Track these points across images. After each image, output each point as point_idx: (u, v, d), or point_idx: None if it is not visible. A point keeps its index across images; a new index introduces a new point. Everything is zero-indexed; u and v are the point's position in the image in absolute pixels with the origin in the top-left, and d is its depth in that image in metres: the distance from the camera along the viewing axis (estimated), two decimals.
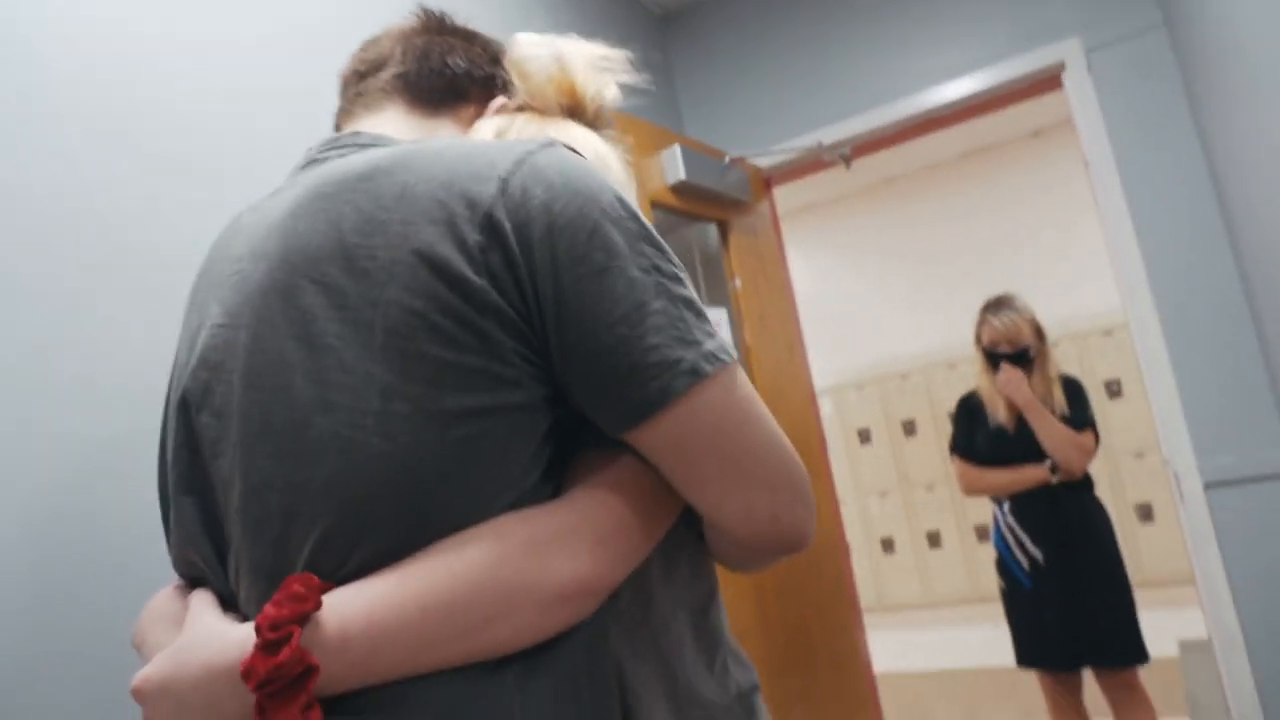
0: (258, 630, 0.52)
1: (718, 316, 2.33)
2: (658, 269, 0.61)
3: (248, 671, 0.51)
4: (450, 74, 0.81)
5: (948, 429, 5.15)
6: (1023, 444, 2.41)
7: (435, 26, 0.84)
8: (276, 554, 0.59)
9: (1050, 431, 2.34)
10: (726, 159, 2.52)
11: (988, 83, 2.48)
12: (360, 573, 0.57)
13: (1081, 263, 4.85)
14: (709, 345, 0.61)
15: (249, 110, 1.39)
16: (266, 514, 0.59)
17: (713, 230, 2.50)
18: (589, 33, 2.45)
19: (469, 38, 0.85)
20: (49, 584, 1.00)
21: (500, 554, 0.57)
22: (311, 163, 0.71)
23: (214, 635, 0.58)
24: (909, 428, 5.34)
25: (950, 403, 5.26)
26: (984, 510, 5.04)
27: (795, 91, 2.76)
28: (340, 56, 0.85)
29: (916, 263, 5.47)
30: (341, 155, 0.69)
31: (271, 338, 0.60)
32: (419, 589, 0.55)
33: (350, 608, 0.55)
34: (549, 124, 0.81)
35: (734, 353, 0.63)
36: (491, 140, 0.66)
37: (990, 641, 3.80)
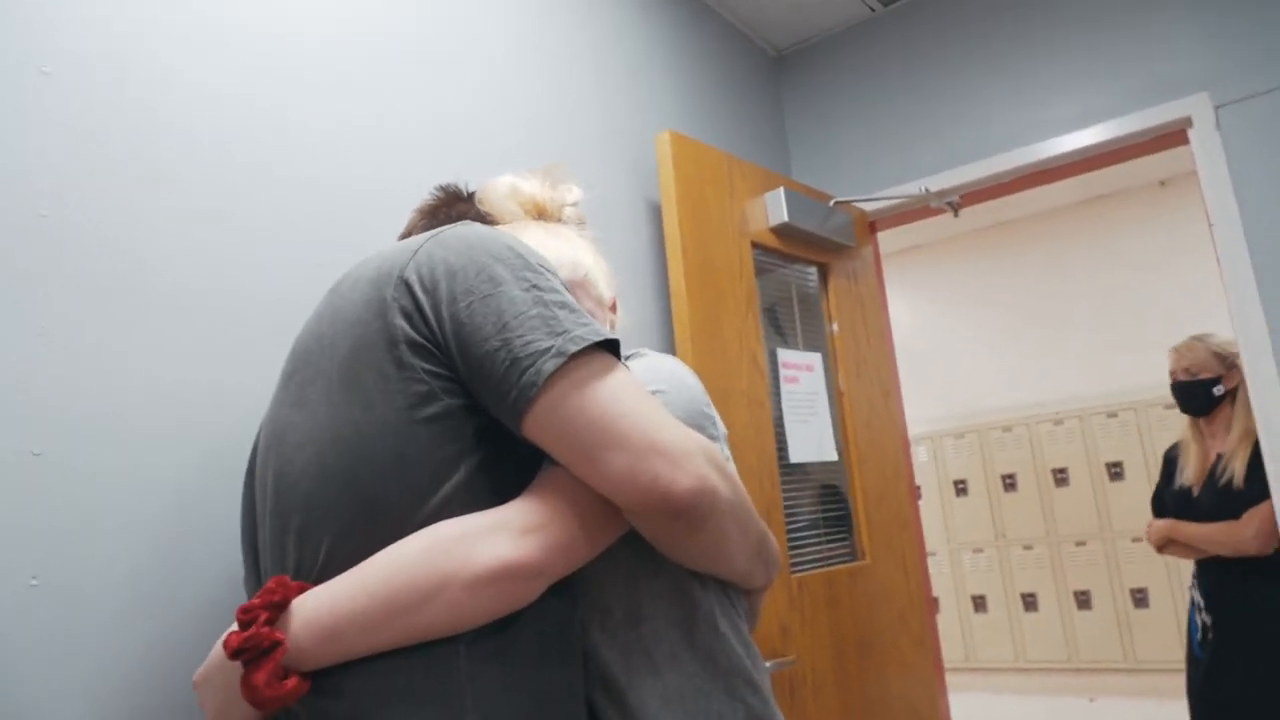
0: (237, 615, 0.69)
1: (811, 360, 2.32)
2: (536, 286, 0.73)
3: (226, 646, 0.68)
4: (452, 221, 1.00)
5: (1050, 486, 4.99)
6: (1208, 506, 2.30)
7: (448, 198, 1.10)
8: (277, 562, 0.77)
9: (1209, 541, 2.24)
10: (831, 202, 2.52)
11: (1107, 135, 2.41)
12: (329, 562, 0.72)
13: (1204, 322, 4.60)
14: (578, 331, 0.71)
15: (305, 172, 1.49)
16: (274, 533, 0.77)
17: (813, 273, 2.50)
18: (705, 73, 2.51)
19: (472, 198, 1.10)
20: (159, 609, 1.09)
21: (433, 544, 0.69)
22: None
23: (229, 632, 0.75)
24: (1009, 482, 5.14)
25: (1054, 459, 5.09)
26: (1085, 576, 4.80)
27: (906, 136, 2.74)
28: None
29: (1026, 311, 5.30)
30: None
31: (280, 409, 0.81)
32: (366, 578, 0.69)
33: (316, 599, 0.70)
34: (506, 227, 1.02)
35: (608, 334, 0.72)
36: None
37: (1084, 715, 3.60)
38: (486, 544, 0.68)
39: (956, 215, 2.64)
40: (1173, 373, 2.46)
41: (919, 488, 5.38)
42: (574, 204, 1.10)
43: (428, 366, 0.73)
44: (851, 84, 2.87)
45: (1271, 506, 2.17)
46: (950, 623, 5.18)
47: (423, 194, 1.12)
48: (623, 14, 2.24)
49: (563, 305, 0.73)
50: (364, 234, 1.44)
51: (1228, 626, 2.25)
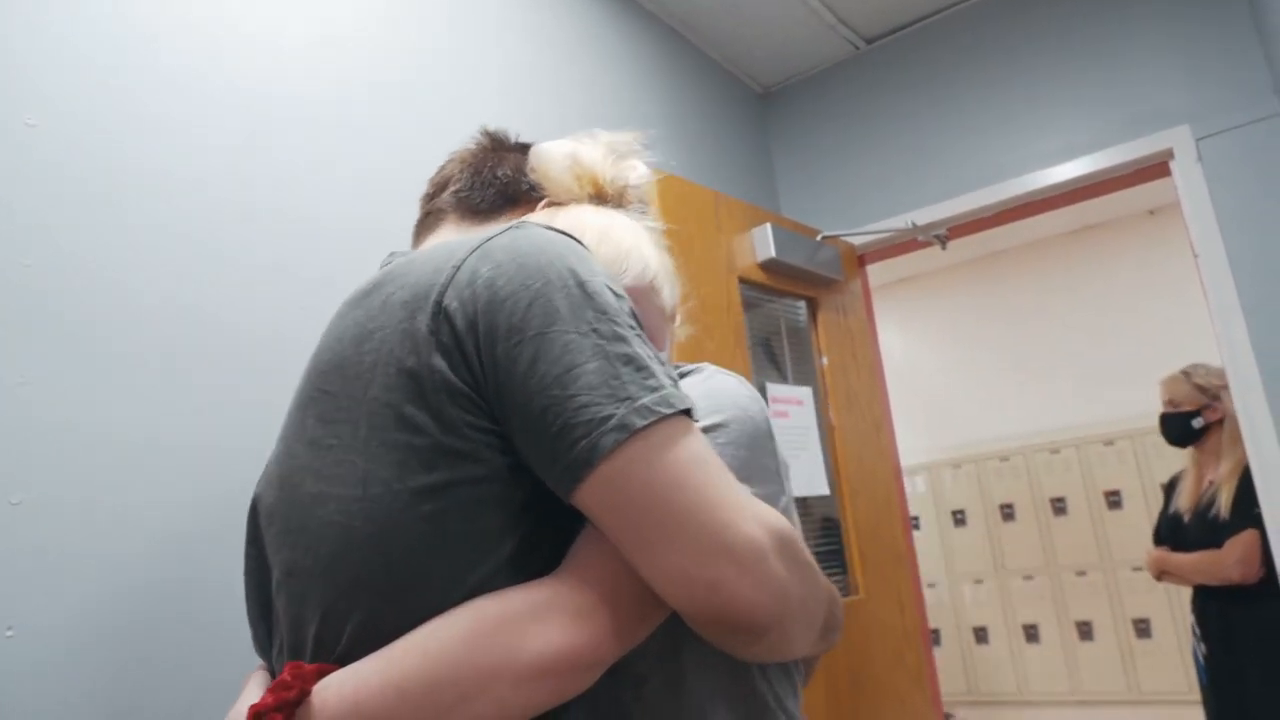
0: (248, 716, 0.59)
1: (802, 394, 2.33)
2: (596, 331, 0.61)
3: None
4: (500, 183, 0.91)
5: (1048, 516, 4.97)
6: (1196, 535, 2.31)
7: (493, 145, 0.95)
8: (295, 633, 0.66)
9: (1194, 570, 2.26)
10: (819, 237, 2.54)
11: (1091, 168, 2.44)
12: (354, 645, 0.62)
13: (1196, 348, 4.62)
14: (645, 399, 0.60)
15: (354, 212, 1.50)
16: (291, 598, 0.66)
17: (802, 307, 2.52)
18: (692, 110, 2.54)
19: (524, 149, 0.94)
20: (149, 646, 1.08)
21: (473, 632, 0.59)
22: None
23: (236, 716, 0.65)
24: (1007, 512, 5.12)
25: (1052, 489, 5.07)
26: (1086, 607, 4.76)
27: (892, 171, 2.77)
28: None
29: (1020, 340, 5.31)
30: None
31: (294, 444, 0.69)
32: (397, 671, 0.58)
33: (338, 694, 0.59)
34: (560, 211, 0.88)
35: (681, 404, 0.61)
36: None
37: None
38: (538, 629, 0.59)
39: (944, 248, 2.66)
40: (1163, 402, 2.51)
41: (916, 518, 5.36)
42: (638, 185, 0.93)
43: (470, 419, 0.62)
44: (838, 120, 2.91)
45: (1254, 535, 2.18)
46: (951, 655, 5.13)
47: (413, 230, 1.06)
48: (611, 52, 2.28)
49: (628, 360, 0.61)
50: (353, 273, 1.45)
51: (1220, 655, 2.25)
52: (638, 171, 0.92)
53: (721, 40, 2.73)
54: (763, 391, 2.21)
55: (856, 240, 2.76)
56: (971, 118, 2.66)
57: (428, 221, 0.91)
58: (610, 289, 0.65)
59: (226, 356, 1.25)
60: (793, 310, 2.49)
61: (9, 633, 0.97)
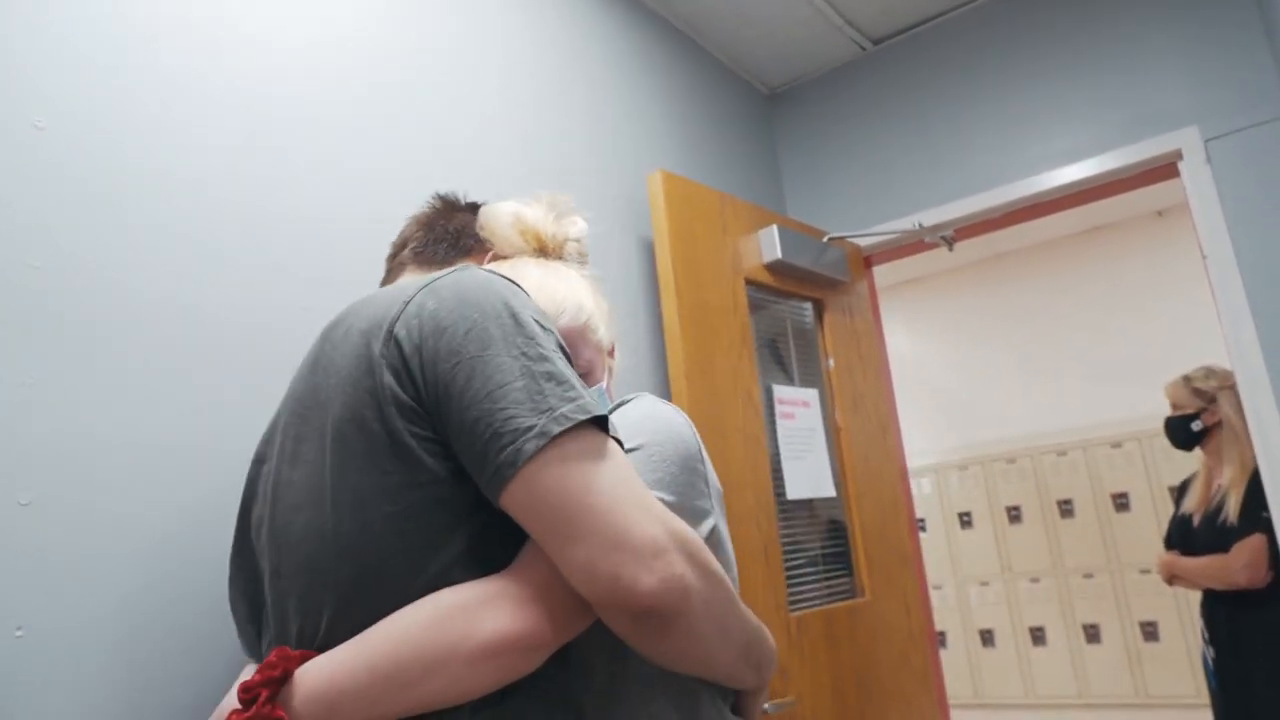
0: (238, 694, 0.68)
1: (808, 396, 2.32)
2: (525, 354, 0.70)
3: None
4: (451, 237, 1.04)
5: (1055, 518, 4.95)
6: (1204, 538, 2.31)
7: (445, 207, 1.09)
8: (281, 628, 0.76)
9: (1202, 575, 2.26)
10: (825, 238, 2.54)
11: (1098, 169, 2.42)
12: (330, 636, 0.71)
13: (1205, 349, 4.60)
14: (563, 409, 0.68)
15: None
16: (277, 596, 0.77)
17: (808, 308, 2.51)
18: (699, 111, 2.54)
19: (473, 208, 1.09)
20: (147, 648, 1.08)
21: (433, 617, 0.68)
22: None
23: (227, 702, 0.75)
24: (1014, 514, 5.11)
25: (1059, 491, 5.06)
26: (1093, 609, 4.74)
27: (900, 172, 2.77)
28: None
29: (1027, 342, 5.30)
30: None
31: (277, 461, 0.80)
32: (366, 651, 0.68)
33: (317, 672, 0.68)
34: (506, 263, 1.00)
35: (595, 411, 0.69)
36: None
37: None
38: (488, 616, 0.67)
39: (951, 249, 2.65)
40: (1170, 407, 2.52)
41: (923, 520, 5.34)
42: (577, 239, 1.06)
43: (416, 429, 0.71)
44: (844, 121, 2.90)
45: (1261, 539, 2.17)
46: (958, 658, 5.11)
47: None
48: (616, 54, 2.28)
49: (550, 377, 0.70)
50: (355, 274, 1.45)
51: (1228, 659, 2.25)
52: (577, 226, 1.05)
53: (728, 41, 2.73)
54: (768, 393, 2.21)
55: (863, 241, 2.75)
56: (979, 118, 2.65)
57: (390, 276, 1.06)
58: (537, 321, 0.75)
59: (229, 357, 1.25)
60: (799, 312, 2.49)
61: (18, 633, 0.97)
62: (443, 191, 1.12)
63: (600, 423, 0.70)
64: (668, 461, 0.84)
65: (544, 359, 0.71)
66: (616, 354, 1.07)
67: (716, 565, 0.74)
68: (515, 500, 0.68)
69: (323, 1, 1.55)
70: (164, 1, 1.29)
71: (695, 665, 0.76)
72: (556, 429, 0.67)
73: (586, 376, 0.97)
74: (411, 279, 0.91)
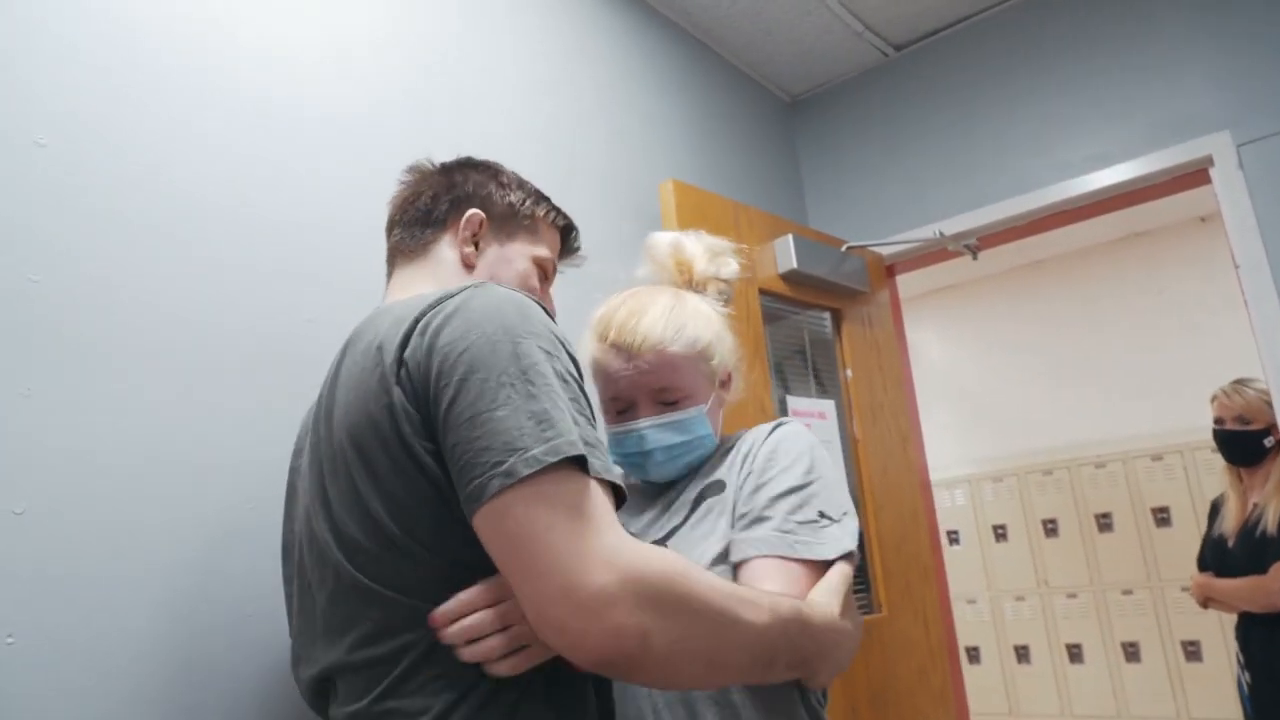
0: None
1: (824, 408, 2.29)
2: (512, 385, 0.70)
3: None
4: (421, 213, 1.03)
5: (1093, 532, 4.81)
6: (1242, 557, 2.22)
7: (416, 179, 1.08)
8: (305, 620, 0.87)
9: (1238, 596, 2.16)
10: (844, 248, 2.51)
11: (1127, 175, 2.36)
12: (361, 631, 0.78)
13: (1249, 361, 4.45)
14: (536, 450, 0.67)
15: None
16: (304, 603, 0.86)
17: (827, 319, 2.48)
18: (717, 119, 2.53)
19: (445, 170, 1.08)
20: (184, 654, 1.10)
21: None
22: None
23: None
24: (1050, 528, 4.98)
25: (1097, 504, 4.92)
26: (1133, 627, 4.61)
27: (922, 179, 2.72)
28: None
29: (1064, 350, 5.17)
30: None
31: (304, 473, 0.88)
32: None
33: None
34: (645, 288, 1.12)
35: (569, 452, 0.68)
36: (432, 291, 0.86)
37: None
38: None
39: (975, 258, 2.60)
40: (1219, 419, 2.38)
41: (956, 532, 5.24)
42: (726, 280, 1.16)
43: (426, 444, 0.74)
44: (866, 128, 2.87)
45: None
46: (992, 673, 5.00)
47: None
48: (633, 61, 2.28)
49: (533, 414, 0.69)
50: (358, 283, 1.45)
51: (1264, 684, 2.15)
52: (729, 268, 1.17)
53: (747, 49, 2.71)
54: (783, 405, 2.18)
55: (884, 250, 2.71)
56: (1003, 125, 2.60)
57: (389, 257, 1.07)
58: (543, 348, 0.74)
59: (229, 369, 1.26)
60: (817, 322, 2.45)
61: (9, 640, 0.99)
62: (411, 163, 1.11)
63: (579, 461, 0.70)
64: (830, 488, 0.99)
65: (531, 394, 0.70)
66: (734, 384, 1.16)
67: (704, 594, 0.72)
68: (480, 530, 0.70)
69: (331, 6, 1.57)
70: (167, 17, 1.32)
71: (690, 686, 0.79)
72: (525, 471, 0.67)
73: (685, 400, 1.05)
74: (408, 277, 1.00)
